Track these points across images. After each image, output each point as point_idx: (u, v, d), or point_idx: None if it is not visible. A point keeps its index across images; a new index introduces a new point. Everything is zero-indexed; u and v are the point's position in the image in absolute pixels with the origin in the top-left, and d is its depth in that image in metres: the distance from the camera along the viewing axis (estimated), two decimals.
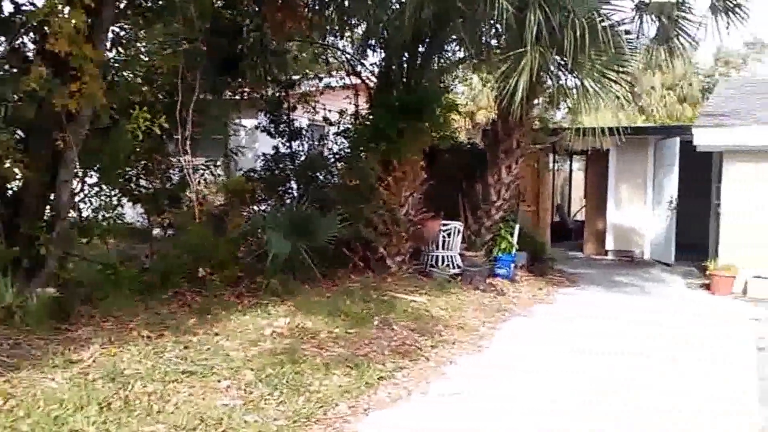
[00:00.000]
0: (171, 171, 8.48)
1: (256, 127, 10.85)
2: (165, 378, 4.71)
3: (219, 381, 4.79)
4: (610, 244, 13.61)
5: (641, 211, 13.31)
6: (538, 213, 12.90)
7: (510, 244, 10.18)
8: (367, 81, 10.17)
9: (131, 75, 7.25)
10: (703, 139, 10.20)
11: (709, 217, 12.14)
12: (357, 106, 10.69)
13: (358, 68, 10.50)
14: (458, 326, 7.10)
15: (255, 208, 9.41)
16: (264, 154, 10.43)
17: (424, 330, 6.70)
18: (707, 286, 10.18)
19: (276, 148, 10.38)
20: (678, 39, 9.64)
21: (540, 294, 9.41)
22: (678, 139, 12.04)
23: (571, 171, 19.69)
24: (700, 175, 12.44)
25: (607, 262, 13.20)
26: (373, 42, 9.83)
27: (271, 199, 9.90)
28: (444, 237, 9.54)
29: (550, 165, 15.14)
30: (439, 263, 9.51)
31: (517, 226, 10.42)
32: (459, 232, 9.70)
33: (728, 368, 6.03)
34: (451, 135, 11.78)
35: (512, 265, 10.00)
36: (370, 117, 9.59)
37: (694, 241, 12.47)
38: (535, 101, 10.52)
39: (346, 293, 7.56)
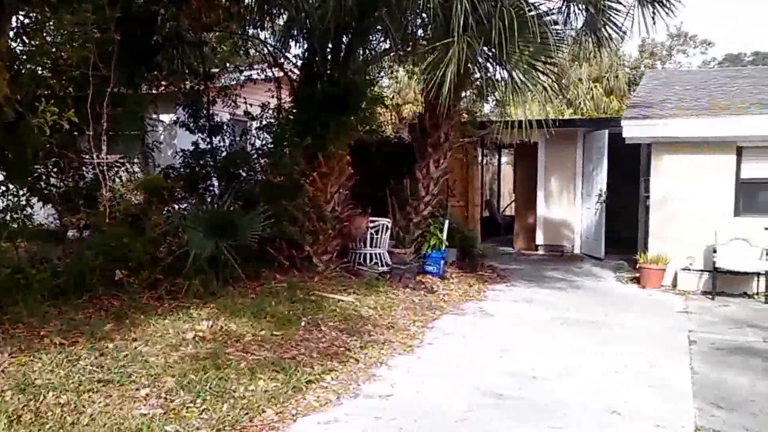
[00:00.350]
0: (84, 169, 8.28)
1: (175, 122, 10.67)
2: (79, 388, 4.65)
3: (137, 389, 4.76)
4: (540, 239, 13.94)
5: (571, 204, 13.69)
6: (468, 208, 13.13)
7: (439, 241, 10.31)
8: (290, 73, 10.12)
9: (38, 66, 7.04)
10: (632, 131, 10.49)
11: (638, 211, 12.64)
12: (280, 99, 10.66)
13: (281, 60, 10.45)
14: (388, 326, 7.23)
15: (175, 206, 9.26)
16: (183, 150, 10.30)
17: (353, 330, 6.80)
18: (638, 280, 10.54)
19: (196, 143, 10.27)
20: (605, 29, 9.93)
21: (471, 291, 9.61)
22: (606, 131, 12.42)
23: (499, 165, 19.95)
24: (629, 168, 12.93)
25: (538, 257, 13.54)
26: (295, 32, 9.82)
27: (192, 197, 9.77)
28: (372, 234, 9.61)
29: (479, 159, 15.41)
30: (368, 261, 9.59)
31: (447, 222, 10.56)
32: (387, 228, 9.79)
33: (662, 362, 6.29)
34: (377, 129, 11.88)
35: (442, 262, 10.15)
36: (294, 111, 9.59)
37: (624, 234, 12.97)
38: (463, 93, 10.69)
39: (272, 294, 7.58)
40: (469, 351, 6.64)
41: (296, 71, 10.08)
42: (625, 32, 9.87)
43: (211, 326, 6.22)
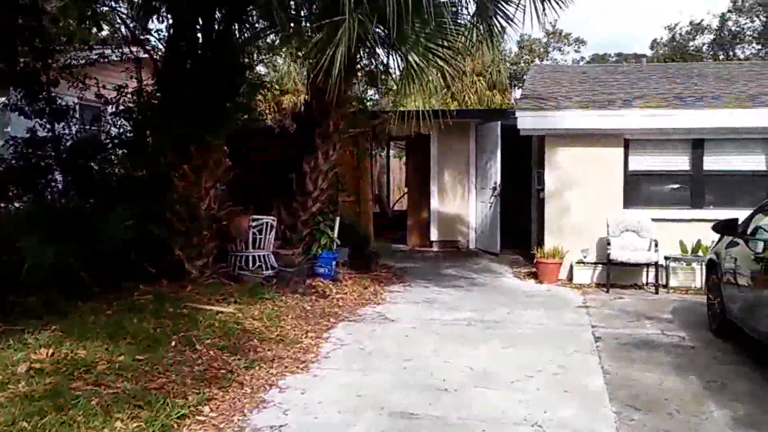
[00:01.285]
0: None
1: (5, 106, 9.09)
2: None
3: None
4: (434, 235, 13.55)
5: (465, 198, 13.38)
6: (360, 203, 12.41)
7: (330, 239, 9.67)
8: (152, 52, 9.04)
9: None
10: (527, 122, 10.26)
11: (531, 204, 12.45)
12: (141, 81, 9.41)
13: (141, 36, 9.29)
14: (277, 339, 6.37)
15: (3, 205, 7.83)
16: (15, 138, 8.74)
17: (235, 348, 5.88)
18: (535, 275, 10.33)
19: (33, 130, 8.74)
20: (496, 18, 9.58)
21: (366, 294, 8.92)
22: (499, 122, 12.16)
23: (388, 158, 19.66)
24: (521, 161, 12.74)
25: (433, 253, 13.14)
26: (157, 4, 8.60)
27: (28, 194, 8.29)
28: (255, 234, 8.72)
29: (370, 151, 14.79)
30: (250, 265, 8.69)
31: (338, 219, 9.92)
32: (272, 227, 8.94)
33: (572, 363, 5.93)
34: (258, 117, 10.88)
35: (334, 262, 9.47)
36: (158, 94, 8.48)
37: (518, 228, 12.75)
38: (355, 80, 10.04)
39: (135, 308, 6.47)
40: (371, 363, 5.88)
41: (161, 49, 8.98)
42: (516, 23, 9.52)
43: (53, 354, 5.04)
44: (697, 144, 10.05)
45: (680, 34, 33.14)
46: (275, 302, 7.57)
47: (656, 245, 9.56)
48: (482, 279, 10.29)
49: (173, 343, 5.66)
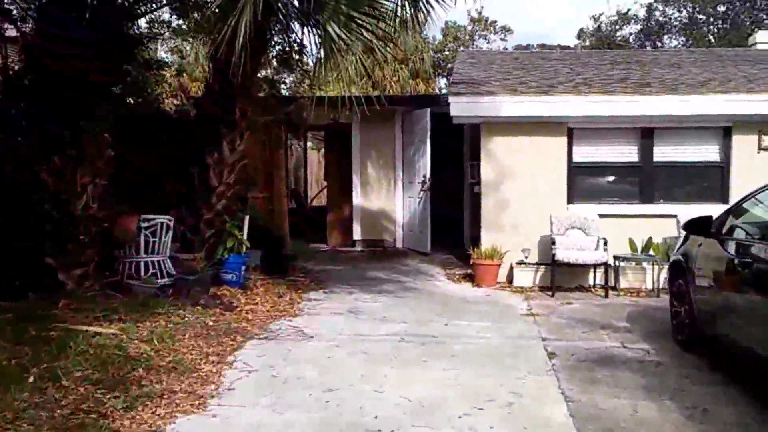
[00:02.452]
0: None
1: None
2: None
3: None
4: (358, 233, 12.98)
5: (391, 193, 12.87)
6: (273, 200, 11.70)
7: (239, 241, 8.76)
8: (22, 26, 8.04)
9: None
10: (460, 108, 9.67)
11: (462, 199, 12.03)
12: (6, 57, 8.32)
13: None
14: (169, 367, 5.36)
15: None
16: None
17: (114, 381, 4.88)
18: (471, 278, 9.77)
19: None
20: None
21: (281, 303, 8.03)
22: (429, 110, 11.63)
23: (305, 149, 19.00)
24: (454, 152, 12.29)
25: (357, 254, 12.51)
26: None
27: None
28: (147, 236, 7.72)
29: (285, 141, 14.02)
30: (142, 272, 7.69)
31: (247, 218, 9.04)
32: (169, 228, 7.96)
33: (528, 389, 5.22)
34: (153, 101, 9.86)
35: (243, 267, 8.58)
36: (29, 74, 7.38)
37: (450, 225, 12.32)
38: (265, 59, 9.25)
39: None
40: (286, 397, 4.98)
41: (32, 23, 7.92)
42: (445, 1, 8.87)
43: None
44: (647, 133, 9.67)
45: (606, 24, 33.51)
46: (170, 318, 6.60)
47: (605, 244, 9.09)
48: (413, 283, 9.62)
49: (31, 379, 4.65)
